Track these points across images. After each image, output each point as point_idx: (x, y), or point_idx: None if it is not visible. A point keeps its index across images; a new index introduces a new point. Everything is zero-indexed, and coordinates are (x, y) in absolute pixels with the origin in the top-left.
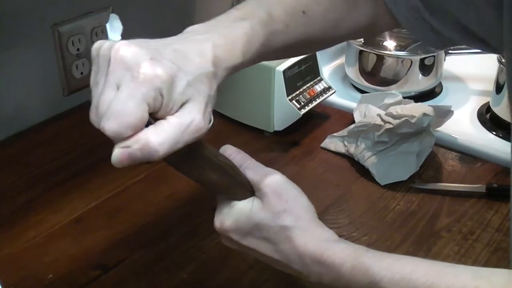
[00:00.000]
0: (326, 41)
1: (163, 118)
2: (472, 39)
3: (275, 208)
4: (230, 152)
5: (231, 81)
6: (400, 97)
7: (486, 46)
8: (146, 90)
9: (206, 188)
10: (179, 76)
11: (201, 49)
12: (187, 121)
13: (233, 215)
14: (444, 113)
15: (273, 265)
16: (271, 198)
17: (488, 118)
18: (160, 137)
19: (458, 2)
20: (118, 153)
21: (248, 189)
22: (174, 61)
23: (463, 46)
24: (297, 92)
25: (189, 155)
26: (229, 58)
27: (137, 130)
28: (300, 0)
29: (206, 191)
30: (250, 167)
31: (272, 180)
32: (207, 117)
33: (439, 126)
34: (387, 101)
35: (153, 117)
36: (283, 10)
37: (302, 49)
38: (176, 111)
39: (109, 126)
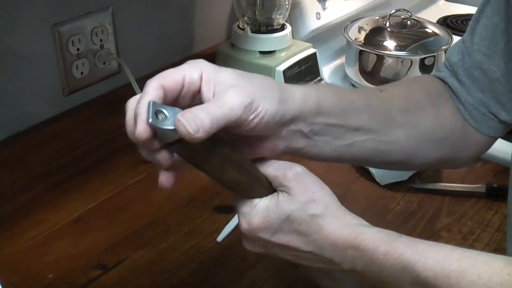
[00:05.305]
0: (409, 128)
1: None
2: None
3: (304, 199)
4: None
5: None
6: None
7: None
8: None
9: (225, 187)
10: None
11: None
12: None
13: (260, 212)
14: None
15: (302, 261)
16: (298, 191)
17: None
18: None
19: None
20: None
21: (265, 185)
22: None
23: None
24: None
25: (210, 154)
26: (300, 95)
27: None
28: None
29: (207, 191)
30: (267, 164)
31: (296, 173)
32: (246, 105)
33: None
34: None
35: None
36: (360, 91)
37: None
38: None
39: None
